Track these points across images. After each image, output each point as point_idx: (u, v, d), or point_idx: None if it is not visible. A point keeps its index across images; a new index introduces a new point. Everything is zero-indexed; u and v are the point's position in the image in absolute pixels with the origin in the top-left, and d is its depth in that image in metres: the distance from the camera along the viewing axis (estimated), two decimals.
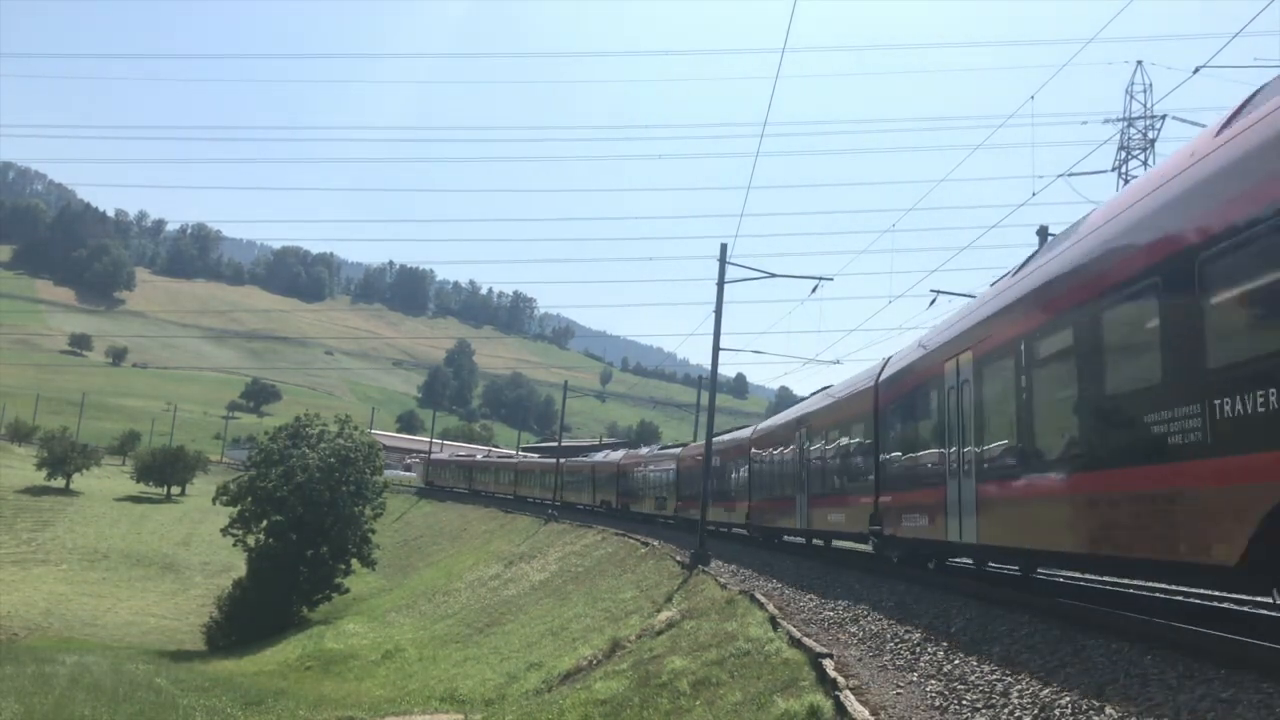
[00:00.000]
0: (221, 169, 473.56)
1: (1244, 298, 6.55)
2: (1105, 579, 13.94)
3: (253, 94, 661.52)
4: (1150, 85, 45.88)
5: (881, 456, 16.34)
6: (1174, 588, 12.04)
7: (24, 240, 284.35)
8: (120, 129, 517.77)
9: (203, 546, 64.71)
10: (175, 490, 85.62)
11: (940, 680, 7.52)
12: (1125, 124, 44.92)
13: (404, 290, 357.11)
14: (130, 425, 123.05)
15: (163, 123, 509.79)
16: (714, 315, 24.61)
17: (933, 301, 21.16)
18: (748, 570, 19.27)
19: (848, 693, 7.05)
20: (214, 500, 50.70)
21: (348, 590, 46.73)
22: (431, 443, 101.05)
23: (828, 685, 7.55)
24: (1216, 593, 11.37)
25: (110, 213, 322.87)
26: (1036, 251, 11.39)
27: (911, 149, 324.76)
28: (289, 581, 44.64)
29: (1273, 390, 6.05)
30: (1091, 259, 8.85)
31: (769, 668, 9.13)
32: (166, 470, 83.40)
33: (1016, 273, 11.59)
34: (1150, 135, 43.98)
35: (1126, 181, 39.30)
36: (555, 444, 69.60)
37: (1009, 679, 7.08)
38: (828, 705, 7.04)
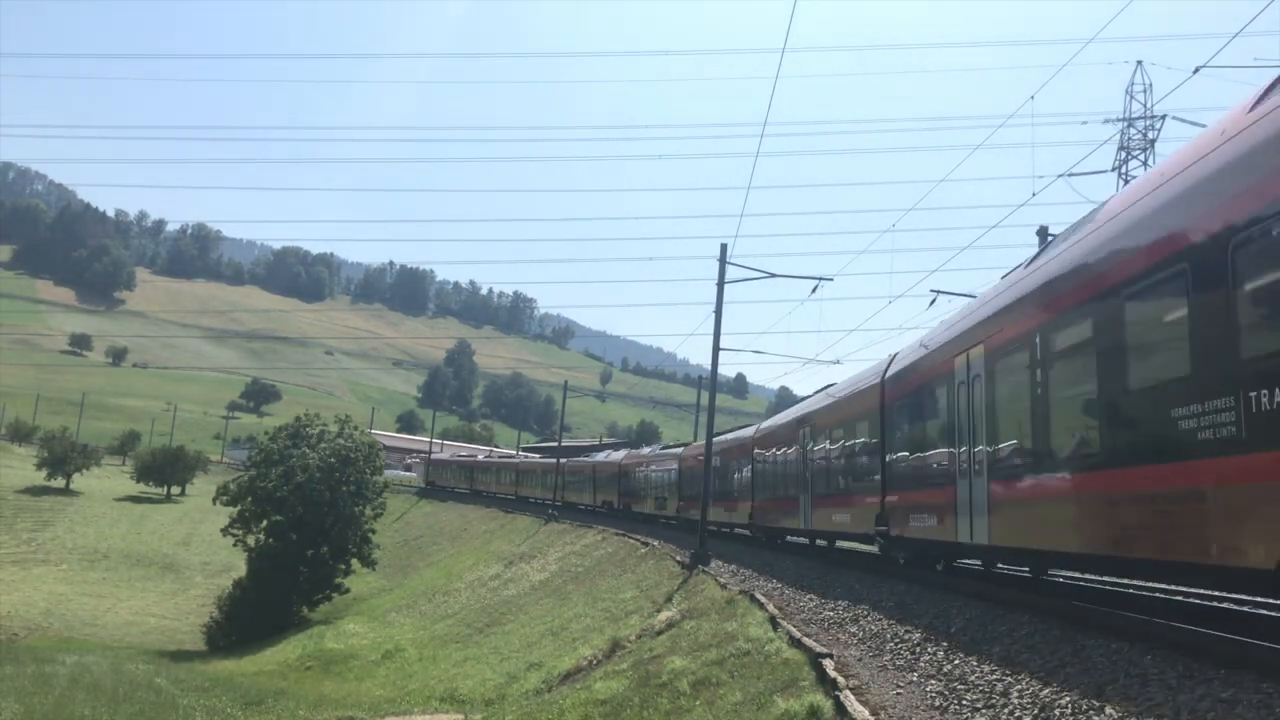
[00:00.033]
0: (221, 169, 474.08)
1: None
2: (1115, 580, 13.50)
3: (253, 94, 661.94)
4: (1150, 85, 45.94)
5: (888, 455, 15.94)
6: (1174, 588, 12.00)
7: (24, 240, 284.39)
8: (120, 129, 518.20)
9: (203, 546, 64.72)
10: (175, 490, 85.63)
11: (940, 680, 7.52)
12: (1125, 124, 44.94)
13: (404, 290, 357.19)
14: (130, 425, 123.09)
15: (163, 123, 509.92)
16: (714, 315, 24.62)
17: (933, 301, 21.18)
18: (748, 570, 19.27)
19: (848, 693, 7.05)
20: (214, 500, 50.72)
21: (348, 590, 46.73)
22: (431, 443, 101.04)
23: (828, 685, 7.55)
24: (1216, 593, 11.33)
25: (110, 213, 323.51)
26: (1050, 242, 11.02)
27: (911, 149, 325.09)
28: (289, 581, 44.65)
29: None
30: (1114, 245, 8.44)
31: (769, 668, 9.13)
32: (166, 470, 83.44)
33: (1030, 264, 11.16)
34: (1150, 135, 44.02)
35: (1126, 182, 39.29)
36: (555, 444, 69.62)
37: (1009, 679, 7.08)
38: (828, 705, 7.04)
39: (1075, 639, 8.05)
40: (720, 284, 24.28)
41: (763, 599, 13.11)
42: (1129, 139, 44.71)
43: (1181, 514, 7.13)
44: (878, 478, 16.31)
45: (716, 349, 24.82)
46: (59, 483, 78.46)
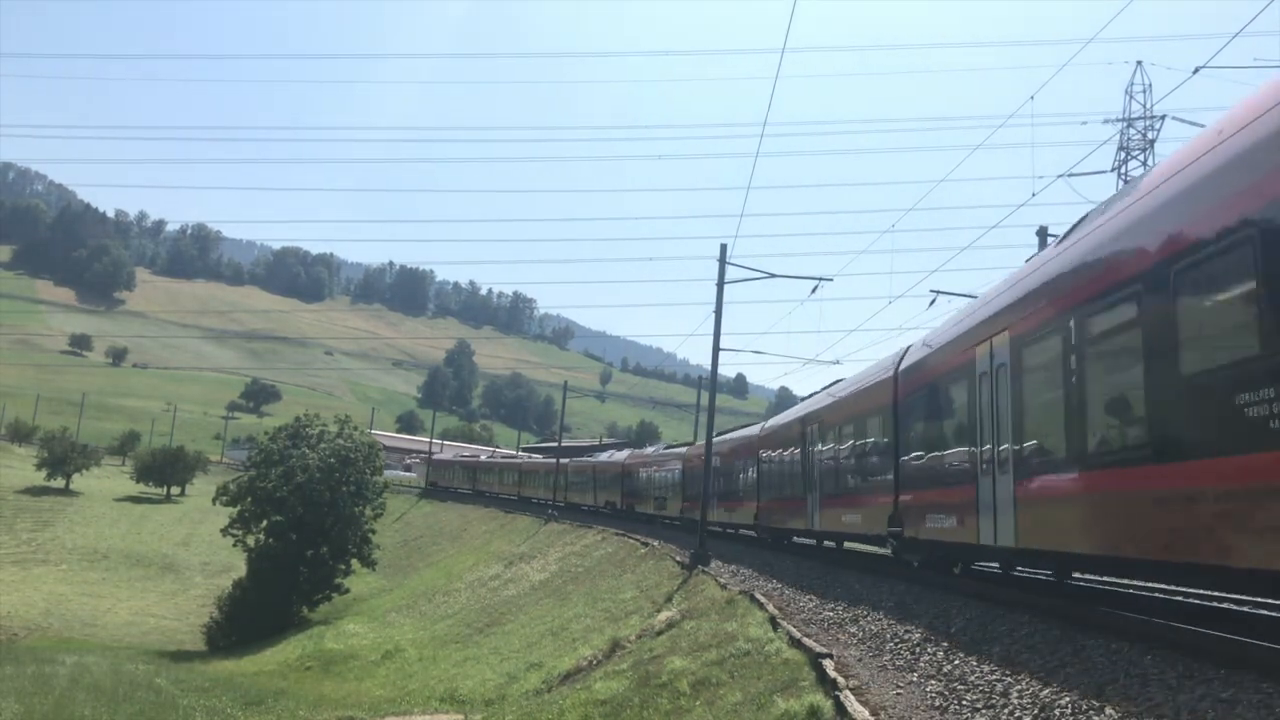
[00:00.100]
0: (221, 169, 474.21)
1: None
2: (1152, 584, 12.43)
3: (253, 94, 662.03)
4: (1150, 85, 45.93)
5: (902, 452, 15.15)
6: (1173, 588, 11.97)
7: (24, 240, 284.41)
8: (120, 129, 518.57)
9: (203, 547, 64.72)
10: (175, 490, 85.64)
11: (940, 680, 7.52)
12: (1125, 124, 44.92)
13: (404, 290, 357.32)
14: (130, 425, 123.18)
15: (163, 123, 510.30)
16: (714, 315, 24.63)
17: (933, 302, 21.19)
18: (748, 570, 19.26)
19: (848, 693, 7.05)
20: (214, 500, 50.72)
21: (348, 590, 46.72)
22: (431, 443, 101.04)
23: (828, 685, 7.55)
24: (1216, 593, 11.32)
25: (110, 213, 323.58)
26: (1083, 219, 10.12)
27: (911, 149, 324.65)
28: (289, 582, 44.63)
29: None
30: (1164, 214, 7.63)
31: (769, 668, 9.13)
32: (166, 470, 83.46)
33: (1060, 243, 10.31)
34: (1150, 136, 43.99)
35: (1126, 182, 39.31)
36: (555, 444, 69.59)
37: (1009, 679, 7.08)
38: (828, 705, 7.04)
39: (1075, 639, 8.05)
40: (720, 284, 24.29)
41: (763, 599, 13.10)
42: (1129, 139, 44.71)
43: (1248, 514, 6.32)
44: (890, 476, 15.59)
45: (716, 349, 24.83)
46: (59, 483, 78.47)
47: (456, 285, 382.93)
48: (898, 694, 7.24)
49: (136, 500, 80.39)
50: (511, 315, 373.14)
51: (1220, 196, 6.80)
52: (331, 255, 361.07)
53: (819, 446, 20.63)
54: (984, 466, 11.36)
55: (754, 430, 29.16)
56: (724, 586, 16.26)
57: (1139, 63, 45.62)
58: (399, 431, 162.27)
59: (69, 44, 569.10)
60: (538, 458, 74.45)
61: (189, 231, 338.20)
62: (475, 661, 23.31)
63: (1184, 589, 11.76)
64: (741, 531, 30.84)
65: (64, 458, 79.04)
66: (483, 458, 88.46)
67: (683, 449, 39.14)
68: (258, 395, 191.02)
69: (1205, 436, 6.85)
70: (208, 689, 25.66)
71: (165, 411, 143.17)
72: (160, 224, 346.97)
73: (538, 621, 24.69)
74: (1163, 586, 12.18)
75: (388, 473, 61.60)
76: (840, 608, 12.32)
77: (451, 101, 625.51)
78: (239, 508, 46.81)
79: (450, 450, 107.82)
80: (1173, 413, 7.29)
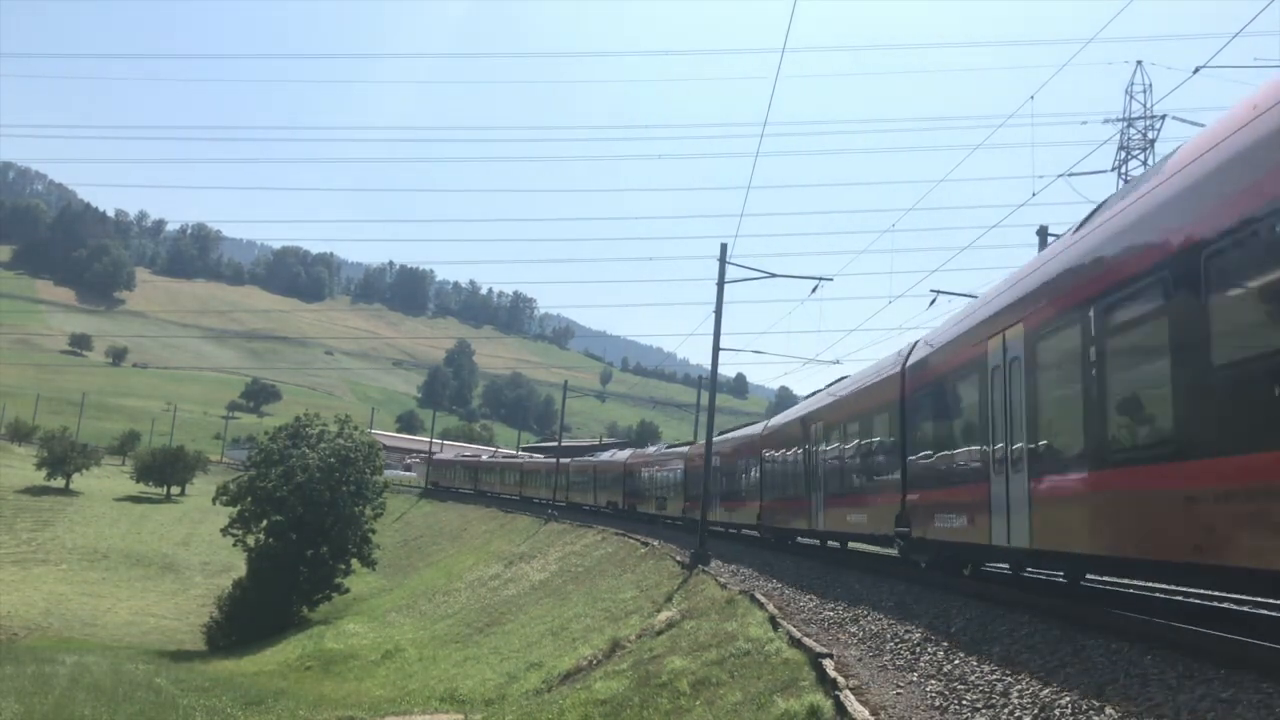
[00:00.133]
0: (221, 169, 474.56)
1: None
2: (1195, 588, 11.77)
3: (253, 94, 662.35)
4: (1150, 85, 45.98)
5: (909, 450, 14.74)
6: (1173, 587, 11.94)
7: (24, 240, 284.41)
8: (120, 129, 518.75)
9: (203, 546, 64.73)
10: (175, 490, 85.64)
11: (940, 680, 7.52)
12: (1125, 124, 44.96)
13: (404, 290, 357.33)
14: (130, 425, 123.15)
15: (163, 123, 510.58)
16: (714, 315, 24.63)
17: (933, 301, 21.21)
18: (748, 570, 19.26)
19: (848, 693, 7.05)
20: (214, 500, 50.72)
21: (348, 590, 46.73)
22: (432, 443, 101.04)
23: (828, 685, 7.55)
24: (1216, 593, 11.30)
25: (110, 213, 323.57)
26: (1103, 204, 9.68)
27: (911, 149, 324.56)
28: (289, 581, 44.64)
29: None
30: (1195, 195, 7.12)
31: (769, 668, 9.13)
32: (166, 470, 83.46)
33: (1078, 230, 9.84)
34: (1150, 135, 44.03)
35: (1127, 182, 39.31)
36: (555, 444, 69.55)
37: (1009, 679, 7.08)
38: (828, 705, 7.04)
39: (1075, 639, 8.05)
40: (720, 284, 24.29)
41: (763, 599, 13.11)
42: (1129, 139, 44.74)
43: None
44: (897, 475, 15.19)
45: (716, 349, 24.83)
46: (59, 483, 78.47)
47: (456, 285, 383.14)
48: (898, 694, 7.24)
49: (136, 500, 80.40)
50: (511, 315, 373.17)
51: (1260, 173, 6.32)
52: (331, 255, 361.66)
53: (823, 445, 20.26)
54: (997, 464, 10.94)
55: (757, 429, 28.85)
56: (724, 586, 16.26)
57: (1139, 63, 45.71)
58: (399, 431, 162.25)
59: (69, 44, 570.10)
60: (539, 458, 74.41)
61: (189, 231, 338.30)
62: (475, 661, 23.31)
63: (1184, 589, 11.74)
64: (744, 532, 30.61)
65: (64, 457, 79.06)
66: (485, 457, 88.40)
67: (685, 448, 38.75)
68: (258, 395, 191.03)
69: (1248, 430, 6.34)
70: (208, 689, 25.66)
71: (165, 411, 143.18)
72: (160, 224, 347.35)
73: (538, 621, 24.69)
74: (1163, 586, 12.18)
75: (388, 472, 61.58)
76: (840, 607, 12.32)
77: (451, 101, 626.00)
78: (239, 507, 46.82)
79: (451, 450, 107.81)
80: (1212, 404, 6.80)
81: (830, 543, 21.99)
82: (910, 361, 15.26)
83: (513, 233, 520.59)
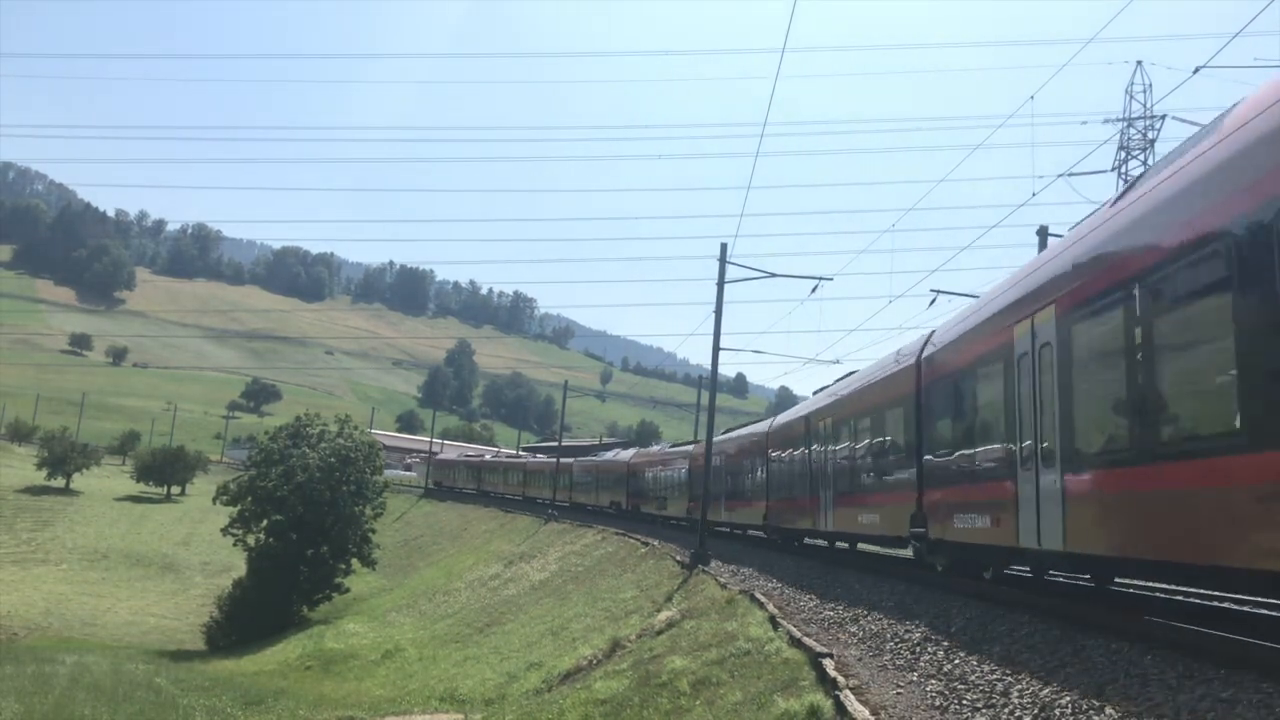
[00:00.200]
0: (221, 169, 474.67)
1: None
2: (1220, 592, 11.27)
3: (253, 94, 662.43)
4: (1150, 85, 45.99)
5: (926, 446, 13.96)
6: (1173, 587, 11.92)
7: (24, 240, 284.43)
8: (120, 129, 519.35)
9: (203, 546, 64.73)
10: (175, 490, 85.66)
11: (940, 680, 7.52)
12: (1125, 124, 44.96)
13: (404, 290, 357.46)
14: (130, 425, 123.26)
15: (163, 123, 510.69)
16: (714, 315, 24.62)
17: (933, 301, 21.21)
18: (748, 570, 19.26)
19: (848, 692, 7.05)
20: (214, 500, 50.71)
21: (348, 590, 46.72)
22: (432, 442, 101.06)
23: (828, 685, 7.55)
24: (1216, 592, 11.28)
25: (110, 213, 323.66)
26: (1145, 174, 8.83)
27: (911, 149, 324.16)
28: (289, 581, 44.63)
29: None
30: (1259, 155, 6.24)
31: (769, 667, 9.13)
32: (166, 470, 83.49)
33: (1117, 201, 9.02)
34: (1150, 135, 44.03)
35: (1126, 182, 39.33)
36: (556, 444, 69.56)
37: (1009, 679, 7.08)
38: (828, 705, 7.04)
39: (1075, 639, 8.05)
40: (720, 284, 24.28)
41: (763, 599, 13.11)
42: (1129, 139, 44.74)
43: None
44: (912, 473, 14.39)
45: (716, 349, 24.83)
46: (59, 483, 78.50)
47: (456, 285, 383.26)
48: (898, 693, 7.24)
49: (136, 500, 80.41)
50: (511, 315, 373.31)
51: None
52: (331, 255, 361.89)
53: (833, 443, 19.52)
54: (1025, 460, 10.11)
55: (762, 427, 28.14)
56: (724, 586, 16.26)
57: (1139, 63, 45.72)
58: (399, 431, 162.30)
59: (69, 44, 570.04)
60: (541, 458, 74.37)
61: (189, 231, 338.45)
62: (475, 661, 23.31)
63: (1184, 589, 11.74)
64: (750, 532, 30.19)
65: (64, 457, 79.09)
66: (487, 457, 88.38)
67: (689, 447, 38.06)
68: (258, 395, 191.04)
69: None
70: (208, 688, 25.66)
71: (165, 411, 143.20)
72: (160, 224, 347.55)
73: (538, 621, 24.69)
74: (1163, 586, 12.17)
75: (388, 472, 61.54)
76: (840, 607, 12.32)
77: (450, 101, 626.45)
78: (239, 507, 46.81)
79: (451, 450, 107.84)
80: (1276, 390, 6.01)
81: (839, 544, 21.61)
82: (926, 353, 14.49)
83: (512, 233, 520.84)
